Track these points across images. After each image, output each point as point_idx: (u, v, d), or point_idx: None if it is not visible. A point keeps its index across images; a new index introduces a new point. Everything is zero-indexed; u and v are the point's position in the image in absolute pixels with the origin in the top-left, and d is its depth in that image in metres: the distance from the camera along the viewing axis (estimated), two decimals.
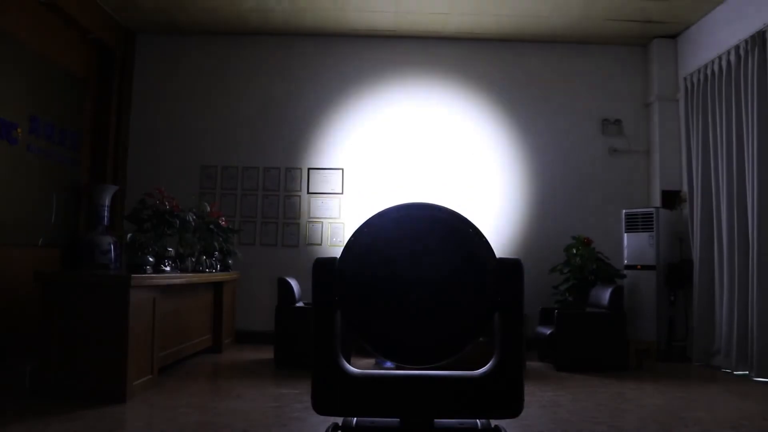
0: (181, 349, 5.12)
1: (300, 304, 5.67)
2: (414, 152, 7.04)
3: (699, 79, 6.26)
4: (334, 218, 7.01)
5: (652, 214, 6.45)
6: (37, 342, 3.95)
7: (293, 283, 5.75)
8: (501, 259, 1.57)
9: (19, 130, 5.22)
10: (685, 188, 6.49)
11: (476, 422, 1.70)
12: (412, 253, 1.55)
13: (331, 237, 6.98)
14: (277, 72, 7.18)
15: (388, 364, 5.09)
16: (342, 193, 7.03)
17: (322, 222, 7.02)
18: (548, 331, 5.77)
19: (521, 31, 6.87)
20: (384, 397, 1.60)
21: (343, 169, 7.05)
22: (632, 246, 6.56)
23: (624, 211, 6.70)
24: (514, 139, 7.08)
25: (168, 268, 4.94)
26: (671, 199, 6.61)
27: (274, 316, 5.49)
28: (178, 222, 5.98)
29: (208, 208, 6.14)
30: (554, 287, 6.50)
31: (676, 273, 6.25)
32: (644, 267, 6.43)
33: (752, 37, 5.37)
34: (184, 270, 5.43)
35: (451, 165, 7.02)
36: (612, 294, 5.68)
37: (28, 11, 5.46)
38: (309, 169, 7.07)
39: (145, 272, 4.24)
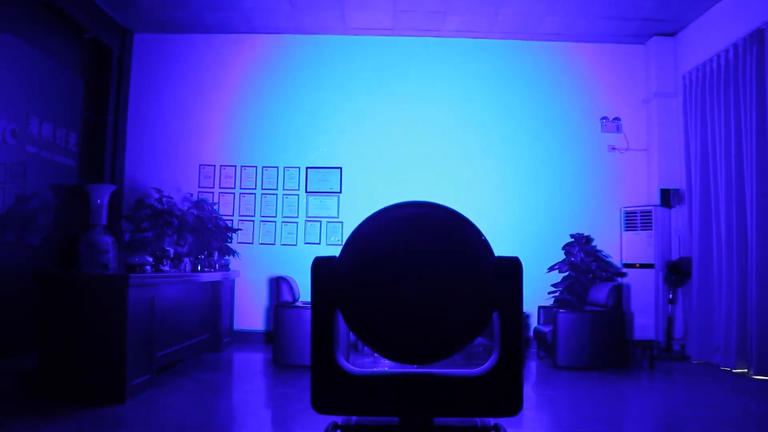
0: (179, 348, 5.11)
1: (298, 303, 5.67)
2: (412, 151, 7.03)
3: (698, 77, 6.26)
4: (333, 217, 7.01)
5: (650, 211, 6.46)
6: (36, 342, 3.94)
7: (291, 282, 5.75)
8: (499, 258, 1.56)
9: (16, 129, 5.21)
10: (683, 186, 6.49)
11: (475, 421, 1.70)
12: (411, 252, 1.54)
13: (330, 236, 6.97)
14: (275, 71, 7.16)
15: (387, 362, 5.09)
16: (340, 192, 7.03)
17: (321, 221, 7.01)
18: (547, 330, 5.77)
19: (519, 29, 6.86)
20: (383, 396, 1.60)
21: (341, 168, 7.04)
22: (631, 244, 6.56)
23: (622, 208, 6.71)
24: (512, 137, 7.07)
25: (166, 268, 4.94)
26: (670, 196, 6.61)
27: (273, 316, 5.49)
28: (176, 221, 6.00)
29: (207, 208, 6.15)
30: (553, 285, 6.50)
31: (674, 271, 6.25)
32: (643, 265, 6.43)
33: (750, 34, 5.37)
34: (182, 269, 5.42)
35: (449, 163, 7.01)
36: (611, 292, 5.69)
37: (26, 10, 5.44)
38: (307, 168, 7.06)
39: (143, 272, 4.24)
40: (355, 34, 7.12)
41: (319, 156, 7.07)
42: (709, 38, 6.13)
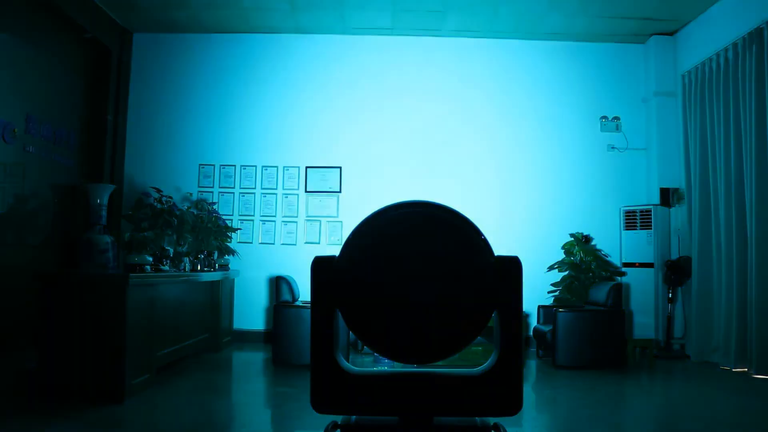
0: (179, 348, 5.11)
1: (298, 302, 5.67)
2: (412, 150, 7.03)
3: (697, 76, 6.26)
4: (332, 217, 7.00)
5: (650, 211, 6.46)
6: (36, 342, 3.95)
7: (291, 281, 5.75)
8: (499, 257, 1.56)
9: (15, 129, 5.21)
10: (683, 185, 6.49)
11: (475, 420, 1.70)
12: (411, 252, 1.54)
13: (330, 235, 6.97)
14: (274, 70, 7.16)
15: (387, 362, 5.09)
16: (340, 192, 7.02)
17: (321, 220, 7.01)
18: (547, 329, 5.77)
19: (518, 29, 6.86)
20: (383, 396, 1.60)
21: (341, 168, 7.04)
22: (630, 243, 6.56)
23: (622, 208, 6.71)
24: (512, 136, 7.07)
25: (166, 267, 4.94)
26: (669, 196, 6.62)
27: (272, 315, 5.49)
28: (175, 221, 6.00)
29: (206, 207, 6.15)
30: (553, 285, 6.51)
31: (674, 270, 6.25)
32: (642, 264, 6.43)
33: (750, 33, 5.37)
34: (182, 269, 5.42)
35: (448, 163, 7.01)
36: (610, 291, 5.69)
37: (25, 10, 5.44)
38: (307, 167, 7.06)
39: (143, 271, 4.24)
40: (355, 34, 7.12)
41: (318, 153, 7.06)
42: (709, 37, 6.13)
